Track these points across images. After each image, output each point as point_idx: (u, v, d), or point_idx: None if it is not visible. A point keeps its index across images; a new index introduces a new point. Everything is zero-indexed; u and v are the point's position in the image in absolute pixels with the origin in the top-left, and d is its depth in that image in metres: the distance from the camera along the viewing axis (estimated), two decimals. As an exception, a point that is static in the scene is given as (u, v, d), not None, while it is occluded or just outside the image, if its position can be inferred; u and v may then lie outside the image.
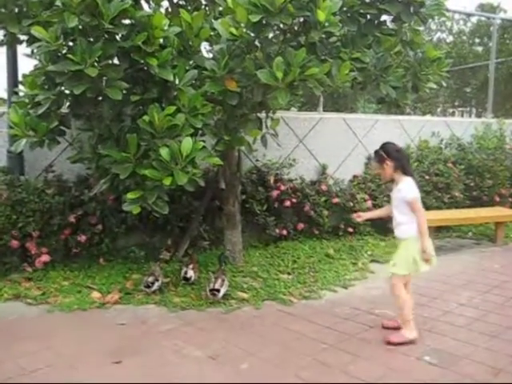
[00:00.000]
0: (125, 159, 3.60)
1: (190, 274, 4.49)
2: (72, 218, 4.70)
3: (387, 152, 3.55)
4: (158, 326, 3.72)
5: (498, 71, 15.72)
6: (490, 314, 4.07)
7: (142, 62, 3.57)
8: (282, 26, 3.69)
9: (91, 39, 3.45)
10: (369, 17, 4.14)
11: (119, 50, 3.54)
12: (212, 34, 4.01)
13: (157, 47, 3.52)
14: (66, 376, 2.99)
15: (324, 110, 7.38)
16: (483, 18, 20.96)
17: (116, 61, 3.66)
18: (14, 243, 4.48)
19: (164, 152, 3.42)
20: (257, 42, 3.74)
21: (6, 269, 4.53)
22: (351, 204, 6.10)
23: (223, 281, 4.21)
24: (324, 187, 6.09)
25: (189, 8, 4.66)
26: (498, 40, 12.10)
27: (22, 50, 4.35)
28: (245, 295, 4.31)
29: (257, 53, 3.75)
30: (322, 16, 3.47)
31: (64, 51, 3.47)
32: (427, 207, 3.58)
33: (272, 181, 5.69)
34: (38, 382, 2.91)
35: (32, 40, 3.82)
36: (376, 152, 3.62)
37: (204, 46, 4.76)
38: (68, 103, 3.85)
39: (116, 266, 4.88)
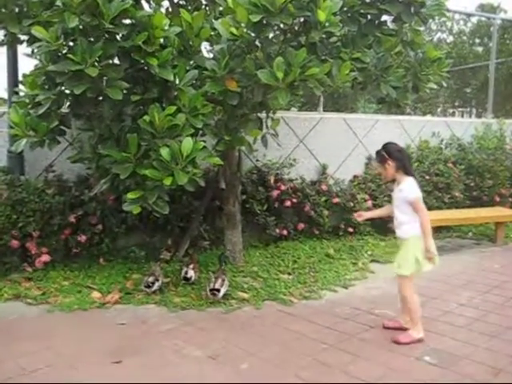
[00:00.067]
0: (125, 159, 3.60)
1: (191, 273, 4.49)
2: (72, 218, 4.69)
3: (389, 152, 3.55)
4: (158, 326, 3.72)
5: (498, 71, 15.71)
6: (490, 314, 4.07)
7: (143, 61, 3.58)
8: (282, 26, 3.69)
9: (92, 39, 3.45)
10: (369, 17, 4.15)
11: (120, 50, 3.54)
12: (212, 33, 4.01)
13: (157, 47, 3.53)
14: (66, 376, 2.99)
15: (324, 110, 7.38)
16: (483, 19, 20.96)
17: (116, 61, 3.66)
18: (14, 243, 4.48)
19: (164, 152, 3.42)
20: (257, 42, 3.74)
21: (6, 269, 4.53)
22: (351, 204, 6.10)
23: (223, 281, 4.21)
24: (324, 187, 6.09)
25: (189, 8, 4.66)
26: (498, 40, 12.10)
27: (23, 49, 4.36)
28: (245, 295, 4.31)
29: (257, 53, 3.75)
30: (322, 16, 3.47)
31: (64, 51, 3.47)
32: (428, 207, 3.58)
33: (272, 181, 5.69)
34: (38, 382, 2.92)
35: (32, 40, 3.83)
36: (378, 152, 3.62)
37: (204, 46, 4.76)
38: (68, 103, 3.85)
39: (116, 265, 4.88)
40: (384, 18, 4.22)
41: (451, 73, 11.06)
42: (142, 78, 3.79)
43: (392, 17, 4.18)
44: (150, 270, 4.48)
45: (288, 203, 5.71)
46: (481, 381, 3.03)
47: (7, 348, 3.32)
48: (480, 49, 22.29)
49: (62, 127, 3.97)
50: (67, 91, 3.67)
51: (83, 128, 4.14)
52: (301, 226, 5.90)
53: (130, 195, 3.59)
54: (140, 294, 4.28)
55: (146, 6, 4.31)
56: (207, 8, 4.80)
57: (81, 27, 3.41)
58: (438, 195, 6.72)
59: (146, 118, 3.49)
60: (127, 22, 3.54)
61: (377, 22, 4.20)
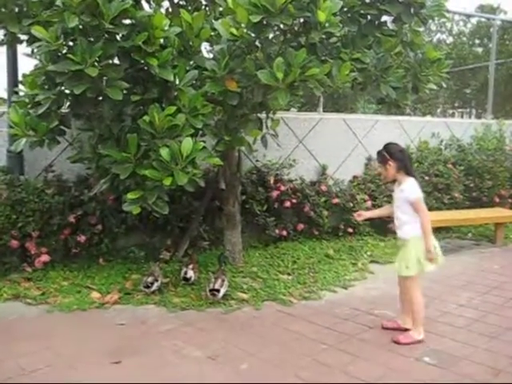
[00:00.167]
0: (125, 159, 3.60)
1: (190, 274, 4.49)
2: (72, 218, 4.69)
3: (390, 152, 3.55)
4: (157, 327, 3.72)
5: (498, 72, 15.73)
6: (490, 314, 4.07)
7: (143, 62, 3.58)
8: (282, 26, 3.69)
9: (91, 39, 3.45)
10: (369, 17, 4.15)
11: (119, 50, 3.54)
12: (212, 34, 4.01)
13: (157, 47, 3.52)
14: (66, 376, 2.99)
15: (324, 111, 7.38)
16: (483, 19, 21.01)
17: (116, 61, 3.66)
18: (14, 243, 4.48)
19: (164, 152, 3.42)
20: (257, 43, 3.74)
21: (5, 269, 4.53)
22: (351, 204, 6.10)
23: (223, 281, 4.21)
24: (324, 188, 6.09)
25: (189, 8, 4.66)
26: (497, 41, 12.12)
27: (22, 49, 4.36)
28: (244, 296, 4.31)
29: (257, 53, 3.75)
30: (322, 16, 3.47)
31: (64, 51, 3.47)
32: (427, 208, 3.58)
33: (272, 181, 5.69)
34: (38, 382, 2.91)
35: (32, 40, 3.83)
36: (379, 152, 3.62)
37: (204, 47, 4.76)
38: (68, 103, 3.85)
39: (116, 266, 4.87)
40: (384, 18, 4.22)
41: (451, 73, 11.06)
42: (141, 78, 3.79)
43: (392, 17, 4.19)
44: (149, 270, 4.47)
45: (288, 204, 5.71)
46: (481, 381, 3.03)
47: (7, 348, 3.32)
48: (480, 50, 22.35)
49: (62, 127, 3.96)
50: (67, 91, 3.66)
51: (83, 128, 4.14)
52: (300, 226, 5.90)
53: (130, 195, 3.58)
54: (139, 294, 4.27)
55: (146, 6, 4.31)
56: (207, 8, 4.81)
57: (81, 27, 3.41)
58: (437, 196, 6.72)
59: (146, 118, 3.49)
60: (127, 22, 3.54)
61: (377, 22, 4.21)
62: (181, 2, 4.78)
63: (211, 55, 4.15)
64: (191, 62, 3.89)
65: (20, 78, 4.07)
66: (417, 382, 3.00)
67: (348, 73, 3.80)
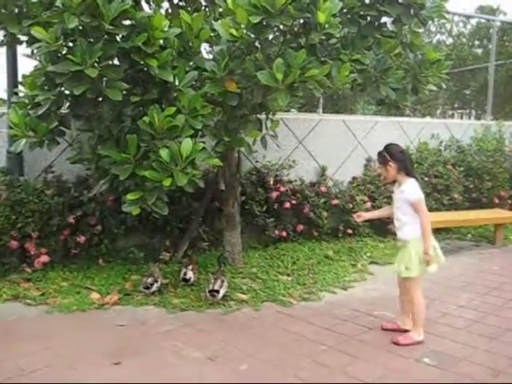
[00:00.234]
0: (124, 160, 3.60)
1: (190, 275, 4.49)
2: (71, 219, 4.69)
3: (391, 153, 3.55)
4: (157, 327, 3.72)
5: (498, 73, 15.74)
6: (489, 315, 4.07)
7: (142, 62, 3.58)
8: (282, 27, 3.69)
9: (91, 40, 3.45)
10: (369, 19, 4.15)
11: (119, 51, 3.54)
12: (212, 35, 4.02)
13: (157, 48, 3.53)
14: (65, 376, 2.99)
15: (323, 112, 7.40)
16: (483, 20, 21.02)
17: (116, 61, 3.66)
18: (13, 244, 4.48)
19: (164, 153, 3.42)
20: (257, 44, 3.75)
21: (5, 269, 4.53)
22: (350, 205, 6.10)
23: (222, 282, 4.21)
24: (323, 189, 6.09)
25: (189, 9, 4.67)
26: (497, 42, 12.13)
27: (22, 50, 4.37)
28: (244, 296, 4.31)
29: (257, 54, 3.75)
30: (322, 18, 3.47)
31: (64, 52, 3.47)
32: (427, 209, 3.59)
33: (271, 182, 5.69)
34: (38, 383, 2.91)
35: (32, 40, 3.82)
36: (379, 153, 3.62)
37: (204, 47, 4.76)
38: (68, 104, 3.85)
39: (115, 266, 4.87)
40: (384, 19, 4.23)
41: (450, 75, 11.08)
42: (141, 78, 3.79)
43: (392, 18, 4.19)
44: (149, 271, 4.47)
45: (287, 205, 5.71)
46: (480, 382, 3.03)
47: (6, 348, 3.32)
48: (479, 51, 22.35)
49: (62, 128, 3.96)
50: (67, 92, 3.66)
51: (83, 129, 4.14)
52: (300, 227, 5.90)
53: (130, 196, 3.58)
54: (139, 295, 4.27)
55: (145, 7, 4.32)
56: (207, 9, 4.81)
57: (80, 28, 3.41)
58: (437, 197, 6.73)
59: (146, 118, 3.49)
60: (127, 22, 3.54)
61: (376, 23, 4.21)
62: (180, 3, 4.78)
63: (211, 56, 4.16)
64: (191, 63, 3.89)
65: (20, 78, 4.06)
66: (416, 383, 3.00)
67: (348, 74, 3.81)
